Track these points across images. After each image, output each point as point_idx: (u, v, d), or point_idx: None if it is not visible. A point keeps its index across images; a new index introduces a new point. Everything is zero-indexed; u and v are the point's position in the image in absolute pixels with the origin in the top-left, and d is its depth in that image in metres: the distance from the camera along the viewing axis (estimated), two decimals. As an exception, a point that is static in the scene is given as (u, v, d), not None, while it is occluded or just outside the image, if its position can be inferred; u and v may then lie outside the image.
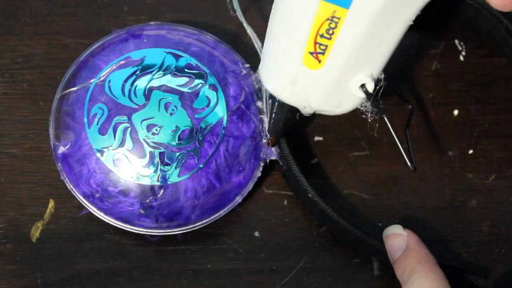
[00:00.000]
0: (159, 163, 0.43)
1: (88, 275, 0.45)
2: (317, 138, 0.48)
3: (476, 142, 0.48)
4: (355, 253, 0.46)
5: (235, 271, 0.45)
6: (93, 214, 0.44)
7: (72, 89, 0.45)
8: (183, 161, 0.43)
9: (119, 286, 0.45)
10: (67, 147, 0.44)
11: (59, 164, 0.44)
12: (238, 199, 0.45)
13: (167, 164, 0.43)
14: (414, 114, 0.48)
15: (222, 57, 0.46)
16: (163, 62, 0.44)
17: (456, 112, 0.49)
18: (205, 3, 0.50)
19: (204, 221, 0.44)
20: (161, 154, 0.43)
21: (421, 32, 0.50)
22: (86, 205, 0.44)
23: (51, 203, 0.46)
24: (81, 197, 0.44)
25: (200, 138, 0.43)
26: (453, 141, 0.48)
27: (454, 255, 0.46)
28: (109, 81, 0.44)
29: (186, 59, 0.45)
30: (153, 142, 0.43)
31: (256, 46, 0.46)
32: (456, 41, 0.50)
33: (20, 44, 0.48)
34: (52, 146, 0.45)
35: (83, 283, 0.45)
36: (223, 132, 0.44)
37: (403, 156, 0.46)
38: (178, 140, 0.43)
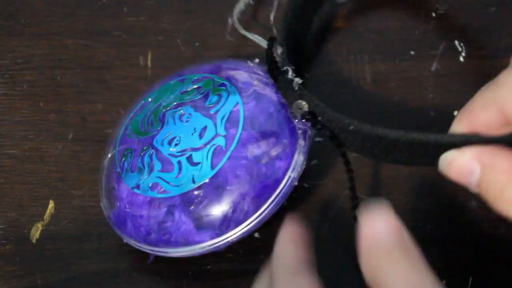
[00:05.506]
0: (189, 166, 0.42)
1: (88, 276, 0.45)
2: (317, 139, 0.48)
3: (476, 143, 0.48)
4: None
5: (235, 272, 0.45)
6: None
7: (109, 155, 0.45)
8: (211, 153, 0.42)
9: (119, 287, 0.45)
10: (115, 208, 0.43)
11: (116, 228, 0.43)
12: (291, 175, 0.42)
13: (197, 164, 0.42)
14: (414, 114, 0.48)
15: (228, 64, 0.46)
16: (170, 91, 0.45)
17: (456, 112, 0.49)
18: (205, 3, 0.50)
19: (265, 208, 0.42)
20: (188, 158, 0.42)
21: (421, 32, 0.50)
22: (151, 250, 0.43)
23: (51, 204, 0.46)
24: (146, 247, 0.42)
25: (221, 127, 0.43)
26: (453, 142, 0.48)
27: (454, 255, 0.46)
28: (130, 128, 0.44)
29: (191, 79, 0.45)
30: (177, 152, 0.42)
31: (263, 45, 0.46)
32: (456, 42, 0.50)
33: (20, 45, 0.49)
34: (106, 215, 0.44)
35: (83, 284, 0.45)
36: (242, 114, 0.43)
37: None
38: (200, 139, 0.43)
